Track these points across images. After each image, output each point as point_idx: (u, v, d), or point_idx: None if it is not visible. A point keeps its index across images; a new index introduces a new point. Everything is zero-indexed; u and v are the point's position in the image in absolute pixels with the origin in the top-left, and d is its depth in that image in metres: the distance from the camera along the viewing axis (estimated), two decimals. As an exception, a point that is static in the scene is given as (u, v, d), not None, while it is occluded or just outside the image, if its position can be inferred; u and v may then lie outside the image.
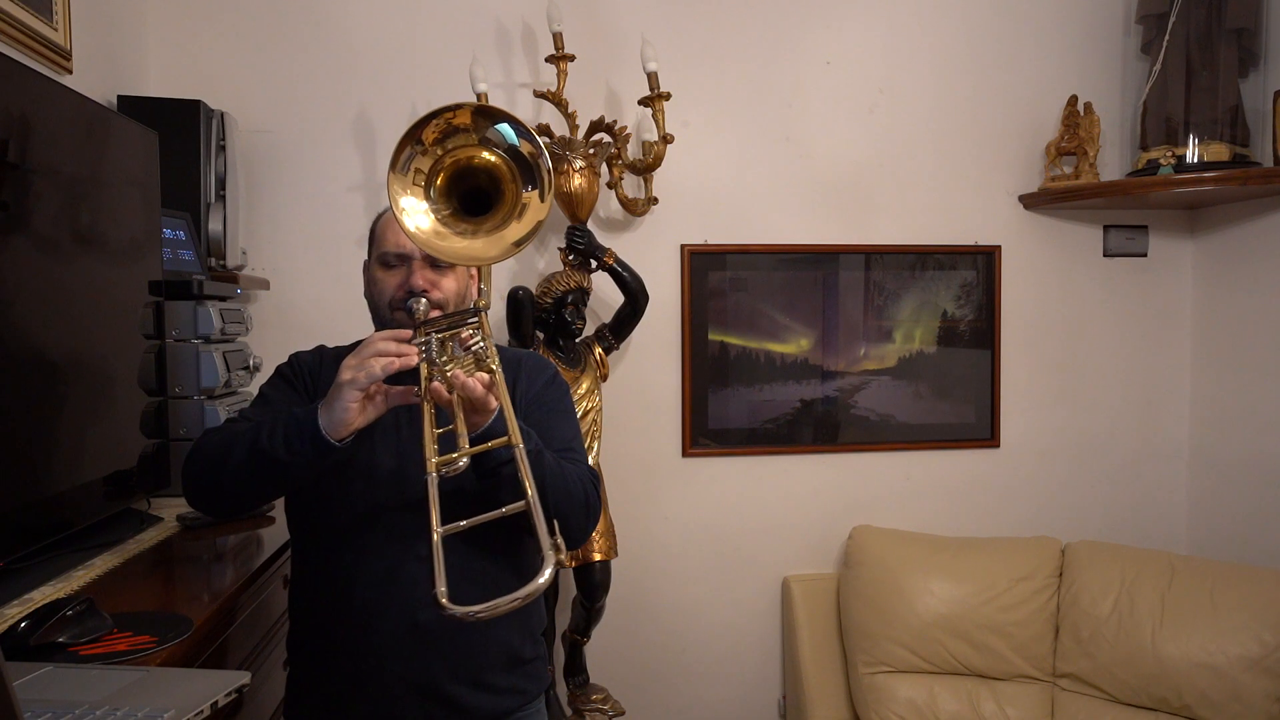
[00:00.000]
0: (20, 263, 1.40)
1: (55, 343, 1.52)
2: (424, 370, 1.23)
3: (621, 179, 2.55)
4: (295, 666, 1.45)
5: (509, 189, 1.32)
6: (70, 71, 1.96)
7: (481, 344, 1.28)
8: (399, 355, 1.24)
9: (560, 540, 1.06)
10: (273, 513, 1.89)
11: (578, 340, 2.46)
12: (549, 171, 1.30)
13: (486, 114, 1.32)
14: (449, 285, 1.41)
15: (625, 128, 2.53)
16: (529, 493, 1.12)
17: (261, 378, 2.25)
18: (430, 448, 1.18)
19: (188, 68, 2.48)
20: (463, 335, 1.29)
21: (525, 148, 1.32)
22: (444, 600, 1.04)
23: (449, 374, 1.21)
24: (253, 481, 1.31)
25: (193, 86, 2.39)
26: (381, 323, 1.43)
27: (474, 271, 1.49)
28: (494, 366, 1.24)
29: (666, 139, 2.44)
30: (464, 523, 1.13)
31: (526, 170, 1.31)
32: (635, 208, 2.59)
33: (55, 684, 1.04)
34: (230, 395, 2.12)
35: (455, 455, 1.16)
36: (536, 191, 1.31)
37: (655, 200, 2.61)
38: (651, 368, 2.74)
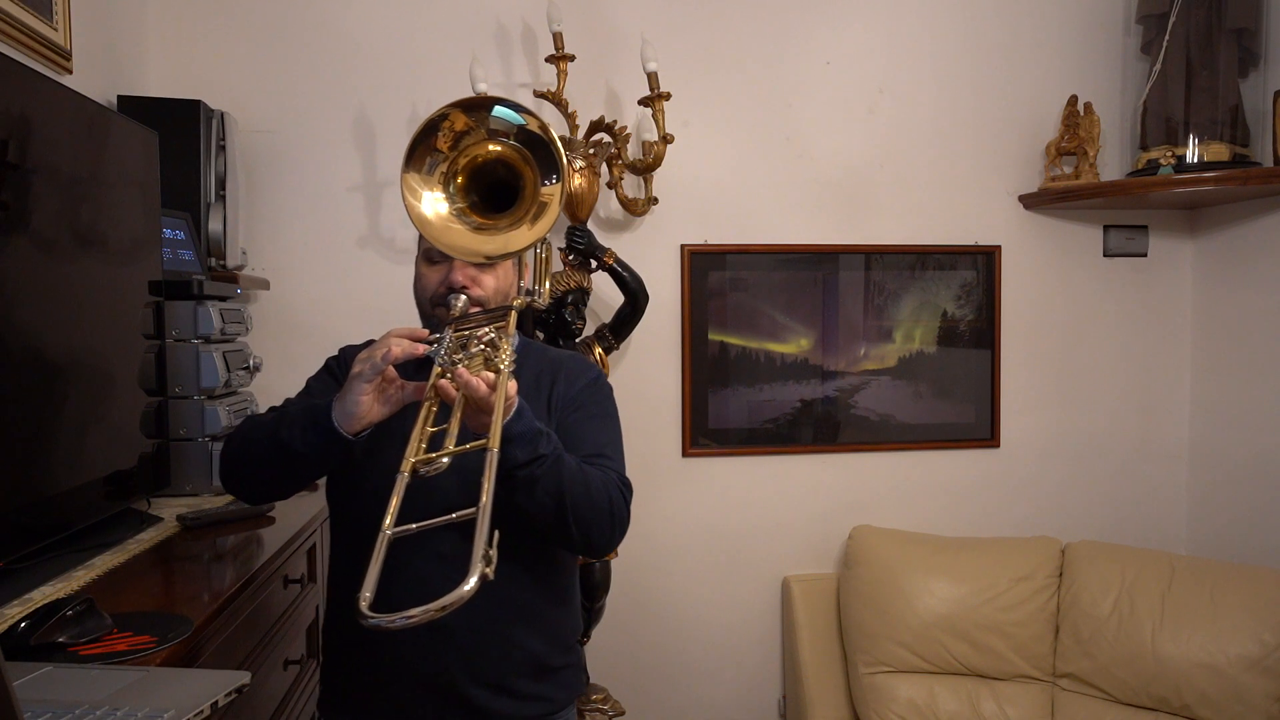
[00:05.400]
0: (20, 263, 1.40)
1: (55, 343, 1.52)
2: (436, 368, 1.23)
3: (621, 179, 2.55)
4: (326, 661, 1.47)
5: (528, 180, 1.32)
6: (70, 71, 1.96)
7: (492, 343, 1.24)
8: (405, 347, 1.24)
9: (494, 554, 1.02)
10: (272, 512, 1.89)
11: (578, 340, 2.46)
12: (557, 146, 1.31)
13: (475, 105, 1.32)
14: (489, 282, 1.39)
15: (625, 128, 2.53)
16: (483, 498, 1.08)
17: (262, 378, 2.27)
18: (415, 445, 1.17)
19: (188, 68, 2.48)
20: (479, 334, 1.26)
21: (533, 124, 1.32)
22: (364, 608, 1.03)
23: (456, 371, 1.19)
24: (274, 471, 1.32)
25: (193, 86, 2.39)
26: (425, 318, 1.43)
27: (519, 268, 1.47)
28: (501, 366, 1.21)
29: (666, 139, 2.44)
30: (414, 526, 1.12)
31: (541, 150, 1.31)
32: (635, 208, 2.59)
33: (55, 684, 1.03)
34: (230, 395, 2.12)
35: (436, 454, 1.14)
36: (558, 186, 1.31)
37: (655, 200, 2.60)
38: (651, 368, 2.74)
